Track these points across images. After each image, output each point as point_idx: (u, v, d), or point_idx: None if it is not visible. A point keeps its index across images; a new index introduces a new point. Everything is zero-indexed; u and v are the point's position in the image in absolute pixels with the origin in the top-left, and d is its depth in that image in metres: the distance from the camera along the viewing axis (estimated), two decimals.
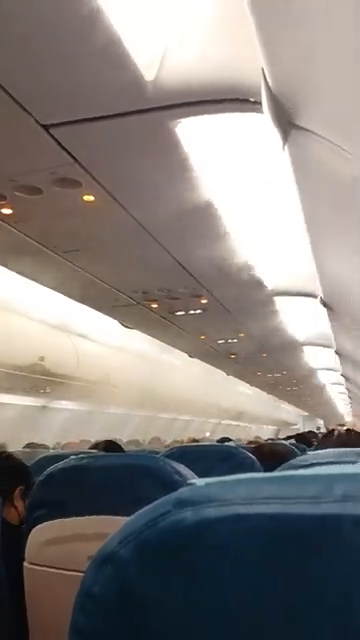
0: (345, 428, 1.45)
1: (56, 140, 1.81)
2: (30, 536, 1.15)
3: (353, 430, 1.45)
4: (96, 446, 2.22)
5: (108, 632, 0.33)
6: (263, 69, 1.29)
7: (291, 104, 1.37)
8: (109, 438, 2.67)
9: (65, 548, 1.08)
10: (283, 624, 0.30)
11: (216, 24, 1.47)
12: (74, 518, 1.12)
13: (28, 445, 4.51)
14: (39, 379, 5.01)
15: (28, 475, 1.60)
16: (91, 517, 1.10)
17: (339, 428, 1.47)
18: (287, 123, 1.44)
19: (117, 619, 0.33)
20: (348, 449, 1.02)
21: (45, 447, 4.52)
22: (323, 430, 12.47)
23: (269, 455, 2.02)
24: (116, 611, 0.33)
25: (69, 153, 1.89)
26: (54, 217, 2.45)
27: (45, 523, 1.14)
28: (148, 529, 0.33)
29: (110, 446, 2.21)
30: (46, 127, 1.75)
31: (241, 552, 0.31)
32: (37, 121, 1.71)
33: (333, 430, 1.47)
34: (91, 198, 2.23)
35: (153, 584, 0.32)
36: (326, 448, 1.31)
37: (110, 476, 1.16)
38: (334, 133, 1.36)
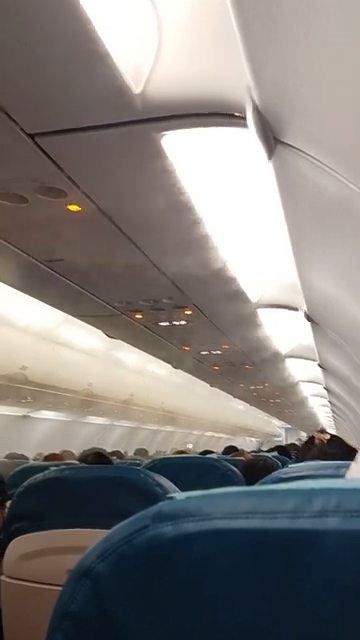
0: (327, 438, 1.40)
1: (42, 149, 1.81)
2: (8, 549, 1.13)
3: (334, 436, 1.39)
4: (85, 458, 2.20)
5: None
6: (249, 85, 1.31)
7: (276, 120, 1.39)
8: (91, 449, 2.64)
9: (43, 561, 1.07)
10: (264, 639, 0.30)
11: (204, 39, 1.49)
12: (53, 531, 1.10)
13: (7, 456, 4.44)
14: (21, 388, 4.96)
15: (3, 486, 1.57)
16: (70, 530, 1.08)
17: (319, 436, 1.40)
18: (272, 139, 1.45)
19: (94, 636, 0.32)
20: (328, 462, 1.03)
21: (25, 458, 4.46)
22: None
23: (262, 469, 1.96)
24: (93, 628, 0.32)
25: (55, 162, 1.89)
26: (39, 226, 2.44)
27: (23, 536, 1.12)
28: (126, 544, 0.32)
29: (98, 458, 2.19)
30: (32, 136, 1.74)
31: (220, 568, 0.31)
32: (23, 130, 1.70)
33: (313, 438, 1.41)
34: (76, 208, 2.23)
35: (131, 600, 0.31)
36: (305, 459, 1.29)
37: (90, 488, 1.15)
38: (320, 151, 1.38)
